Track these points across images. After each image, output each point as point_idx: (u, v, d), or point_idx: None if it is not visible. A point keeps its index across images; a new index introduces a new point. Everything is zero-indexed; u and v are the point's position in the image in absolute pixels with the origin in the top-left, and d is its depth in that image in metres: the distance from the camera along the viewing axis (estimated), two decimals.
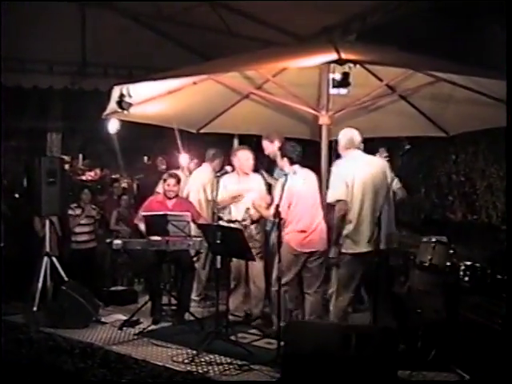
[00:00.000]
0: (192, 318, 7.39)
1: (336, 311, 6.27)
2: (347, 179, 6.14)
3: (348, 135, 6.49)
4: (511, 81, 5.27)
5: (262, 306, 7.51)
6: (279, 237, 6.16)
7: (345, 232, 6.15)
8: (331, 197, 6.19)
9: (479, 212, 10.00)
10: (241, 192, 7.52)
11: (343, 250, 6.19)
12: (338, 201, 6.12)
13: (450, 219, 9.87)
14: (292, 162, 6.81)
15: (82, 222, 9.07)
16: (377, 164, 6.45)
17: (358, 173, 6.20)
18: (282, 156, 6.91)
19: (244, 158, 7.60)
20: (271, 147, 7.63)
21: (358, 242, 6.13)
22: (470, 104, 7.31)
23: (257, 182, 7.67)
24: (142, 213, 7.67)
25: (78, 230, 9.05)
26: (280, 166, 7.12)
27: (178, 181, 7.96)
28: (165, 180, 7.96)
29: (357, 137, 6.49)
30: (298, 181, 6.68)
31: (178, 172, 8.61)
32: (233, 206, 7.58)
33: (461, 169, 10.39)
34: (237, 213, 7.53)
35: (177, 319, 7.49)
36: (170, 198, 7.85)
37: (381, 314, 5.95)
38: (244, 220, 7.43)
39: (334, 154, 6.99)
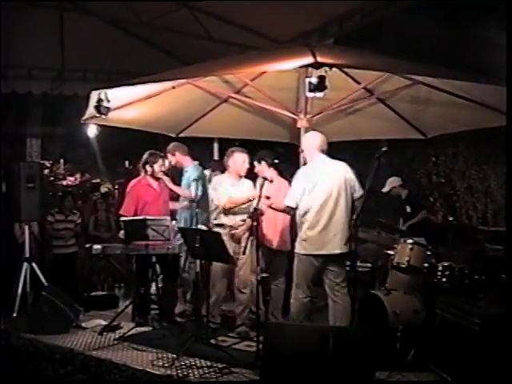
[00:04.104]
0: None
1: (294, 303, 6.32)
2: (306, 185, 6.19)
3: (320, 137, 6.45)
4: (511, 83, 5.28)
5: (248, 311, 7.26)
6: (257, 239, 6.19)
7: (302, 234, 6.23)
8: (285, 201, 6.37)
9: (459, 213, 10.09)
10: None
11: (296, 250, 6.30)
12: (287, 206, 6.35)
13: (431, 220, 9.95)
14: None
15: (64, 226, 9.07)
16: (341, 169, 6.37)
17: (322, 178, 6.22)
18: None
19: (241, 160, 7.29)
20: (174, 159, 8.06)
21: (305, 243, 6.19)
22: (448, 106, 7.38)
23: (248, 185, 7.40)
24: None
25: (59, 234, 9.05)
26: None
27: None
28: (152, 161, 7.69)
29: (326, 140, 6.47)
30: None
31: None
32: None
33: (441, 170, 10.50)
34: (226, 218, 7.24)
35: (159, 323, 7.49)
36: (157, 179, 7.74)
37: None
38: (237, 226, 7.20)
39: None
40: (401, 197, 8.96)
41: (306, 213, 6.19)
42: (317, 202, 6.14)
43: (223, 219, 7.20)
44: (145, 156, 7.77)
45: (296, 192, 6.23)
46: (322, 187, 6.17)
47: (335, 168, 6.34)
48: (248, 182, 7.40)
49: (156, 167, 7.66)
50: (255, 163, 7.45)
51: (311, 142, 6.44)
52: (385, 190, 8.88)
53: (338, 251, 6.08)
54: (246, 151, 7.35)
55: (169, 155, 8.03)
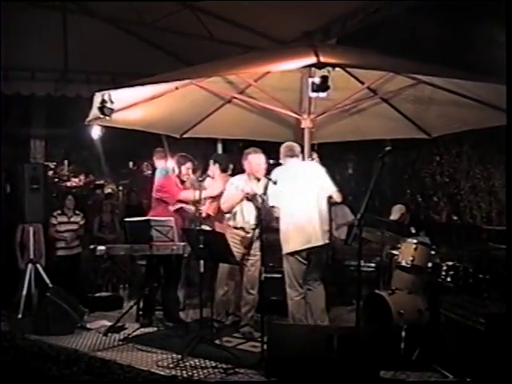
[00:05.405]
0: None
1: (290, 303, 6.52)
2: (278, 186, 6.47)
3: (288, 144, 6.89)
4: (511, 83, 5.28)
5: (253, 312, 7.17)
6: (261, 240, 6.20)
7: (286, 235, 6.48)
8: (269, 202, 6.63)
9: (463, 212, 10.09)
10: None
11: (284, 252, 6.52)
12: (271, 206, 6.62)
13: (435, 220, 9.95)
14: None
15: (67, 228, 9.08)
16: (311, 171, 6.73)
17: (290, 180, 6.53)
18: None
19: (256, 161, 6.96)
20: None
21: (291, 242, 6.43)
22: (452, 106, 7.37)
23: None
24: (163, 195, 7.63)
25: (62, 236, 9.06)
26: None
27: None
28: (181, 163, 7.65)
29: (296, 147, 6.87)
30: None
31: None
32: (240, 211, 7.06)
33: (445, 170, 10.50)
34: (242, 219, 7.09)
35: (163, 324, 7.50)
36: (182, 182, 7.70)
37: None
38: (249, 229, 7.03)
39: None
40: (405, 221, 8.85)
41: (285, 214, 6.48)
42: (295, 202, 6.45)
43: (237, 220, 7.09)
44: (175, 157, 7.84)
45: (274, 192, 6.53)
46: (295, 187, 6.50)
47: (305, 169, 6.78)
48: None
49: (183, 169, 7.67)
50: (210, 163, 7.77)
51: (284, 147, 6.87)
52: (394, 218, 8.77)
53: (320, 243, 6.43)
54: (261, 151, 7.04)
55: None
